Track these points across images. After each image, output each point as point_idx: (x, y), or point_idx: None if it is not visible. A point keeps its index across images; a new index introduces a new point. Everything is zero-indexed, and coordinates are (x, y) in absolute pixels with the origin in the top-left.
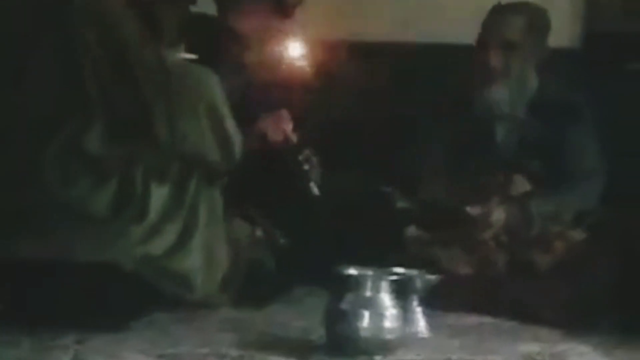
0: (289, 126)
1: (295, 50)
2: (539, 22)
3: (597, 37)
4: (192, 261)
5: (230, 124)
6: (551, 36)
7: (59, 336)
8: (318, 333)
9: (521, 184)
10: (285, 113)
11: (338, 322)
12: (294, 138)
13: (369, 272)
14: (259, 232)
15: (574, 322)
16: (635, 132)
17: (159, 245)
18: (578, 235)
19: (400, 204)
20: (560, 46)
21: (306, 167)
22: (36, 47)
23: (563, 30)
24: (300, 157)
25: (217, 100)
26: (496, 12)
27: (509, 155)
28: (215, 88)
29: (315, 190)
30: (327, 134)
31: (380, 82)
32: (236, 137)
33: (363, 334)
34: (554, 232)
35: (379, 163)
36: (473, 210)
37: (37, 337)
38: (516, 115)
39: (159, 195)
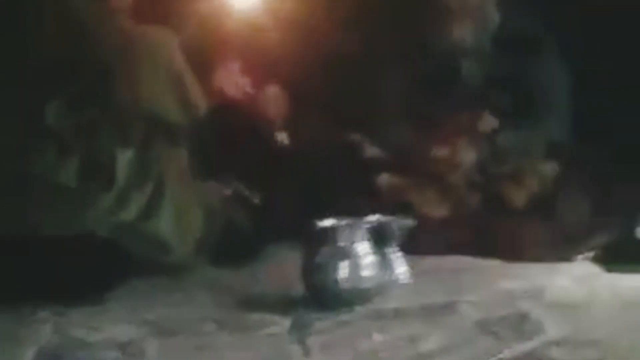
0: (241, 77)
1: None
2: None
3: None
4: (165, 222)
5: (191, 83)
6: None
7: (38, 310)
8: (298, 288)
9: (489, 120)
10: (235, 65)
11: (315, 275)
12: (249, 89)
13: (342, 223)
14: (228, 192)
15: (552, 257)
16: (606, 63)
17: (130, 210)
18: (550, 169)
19: (370, 151)
20: None
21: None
22: None
23: None
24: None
25: (176, 60)
26: None
27: (475, 91)
28: (174, 48)
29: (284, 138)
30: (289, 80)
31: (340, 22)
32: (198, 95)
33: (341, 285)
34: (525, 167)
35: (344, 109)
36: (440, 151)
37: (16, 311)
38: (480, 50)
39: (124, 160)
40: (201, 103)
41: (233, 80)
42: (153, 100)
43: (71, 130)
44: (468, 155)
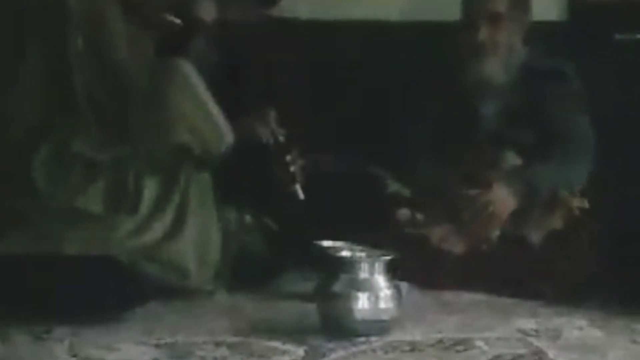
0: (275, 124)
1: (280, 36)
2: None
3: (583, 8)
4: (186, 247)
5: (218, 115)
6: (538, 10)
7: (53, 329)
8: (314, 316)
9: (512, 159)
10: (271, 111)
11: (332, 305)
12: (281, 137)
13: (362, 254)
14: (248, 219)
15: (570, 296)
16: (624, 103)
17: (152, 235)
18: (581, 203)
19: (393, 187)
20: (547, 19)
21: (293, 168)
22: (24, 51)
23: (550, 2)
24: (288, 158)
25: (202, 93)
26: None
27: (499, 127)
28: (198, 81)
29: (301, 193)
30: (316, 115)
31: (368, 60)
32: (225, 127)
33: (358, 316)
34: (558, 197)
35: (369, 143)
36: (472, 191)
37: (32, 330)
38: (506, 87)
39: (150, 187)
40: (228, 134)
41: (269, 126)
42: (183, 131)
43: (101, 160)
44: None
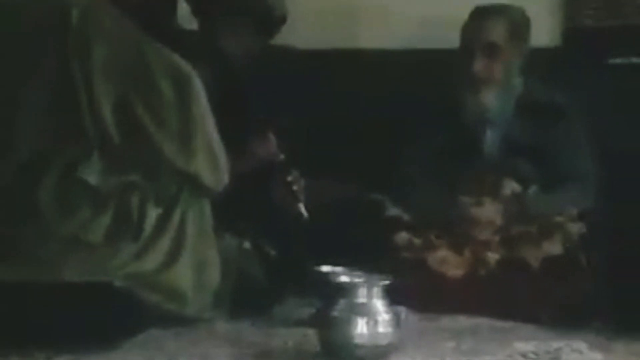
0: (275, 147)
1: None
2: (519, 23)
3: (576, 33)
4: (184, 275)
5: (218, 143)
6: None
7: (54, 357)
8: (313, 342)
9: (510, 187)
10: (271, 135)
11: (331, 330)
12: (281, 158)
13: (361, 279)
14: (246, 245)
15: (569, 319)
16: (619, 126)
17: (150, 261)
18: (578, 228)
19: (392, 211)
20: (540, 45)
21: (295, 187)
22: (32, 74)
23: (542, 28)
24: (289, 178)
25: (206, 113)
26: (477, 16)
27: (499, 159)
28: (203, 99)
29: (304, 212)
30: (315, 141)
31: (370, 89)
32: (223, 158)
33: (357, 341)
34: (555, 222)
35: (369, 170)
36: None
37: (31, 356)
38: (504, 119)
39: (152, 216)
40: (226, 166)
41: (270, 150)
42: (190, 159)
43: (108, 189)
44: (497, 211)
